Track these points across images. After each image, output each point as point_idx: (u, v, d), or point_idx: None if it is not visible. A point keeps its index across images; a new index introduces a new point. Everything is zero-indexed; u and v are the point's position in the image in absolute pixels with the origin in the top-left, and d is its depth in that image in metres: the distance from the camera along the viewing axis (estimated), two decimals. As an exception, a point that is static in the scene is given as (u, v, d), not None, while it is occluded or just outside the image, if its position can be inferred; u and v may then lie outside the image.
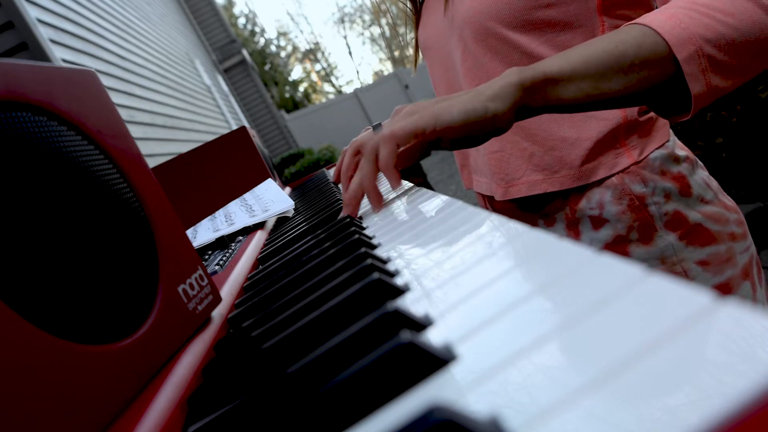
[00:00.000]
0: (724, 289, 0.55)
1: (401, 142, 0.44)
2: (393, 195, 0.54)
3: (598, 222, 0.58)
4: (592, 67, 0.41)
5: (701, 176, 0.58)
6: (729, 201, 0.58)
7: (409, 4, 0.73)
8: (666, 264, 0.56)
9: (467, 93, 0.43)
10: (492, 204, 0.69)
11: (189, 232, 0.76)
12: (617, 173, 0.57)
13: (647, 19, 0.41)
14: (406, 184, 0.57)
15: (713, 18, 0.39)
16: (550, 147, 0.58)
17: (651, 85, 0.41)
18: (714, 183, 0.59)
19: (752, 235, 0.62)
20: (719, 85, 0.40)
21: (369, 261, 0.28)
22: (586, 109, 0.44)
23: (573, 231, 0.60)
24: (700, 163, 0.60)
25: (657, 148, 0.57)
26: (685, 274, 0.55)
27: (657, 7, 0.49)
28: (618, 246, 0.57)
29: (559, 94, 0.42)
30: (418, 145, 0.45)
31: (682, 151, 0.59)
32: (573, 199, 0.59)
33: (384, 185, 0.65)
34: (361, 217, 0.50)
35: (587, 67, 0.41)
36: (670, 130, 0.60)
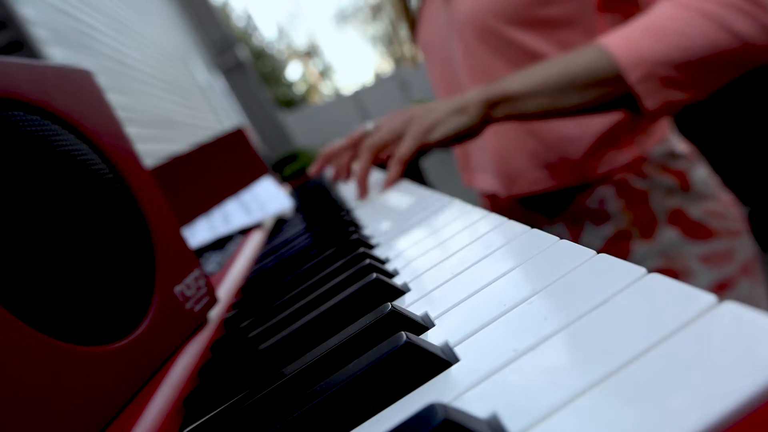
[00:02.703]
0: (724, 286, 0.55)
1: (408, 161, 0.53)
2: (393, 192, 0.54)
3: (600, 218, 0.58)
4: (549, 86, 0.47)
5: (701, 172, 0.58)
6: (728, 197, 0.59)
7: (409, 4, 0.73)
8: (667, 259, 0.56)
9: (446, 107, 0.51)
10: (494, 202, 0.69)
11: (186, 232, 0.75)
12: (618, 169, 0.57)
13: (606, 40, 0.45)
14: (407, 184, 0.57)
15: (668, 41, 0.43)
16: (553, 144, 0.59)
17: (608, 99, 0.46)
18: (714, 179, 0.59)
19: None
20: (677, 98, 0.44)
21: (367, 261, 0.28)
22: (548, 118, 0.50)
23: (575, 227, 0.61)
24: (700, 159, 0.60)
25: (657, 144, 0.57)
26: (685, 270, 0.55)
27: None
28: (620, 242, 0.57)
29: (520, 108, 0.49)
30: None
31: (682, 147, 0.59)
32: (575, 195, 0.60)
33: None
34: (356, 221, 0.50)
35: (545, 86, 0.47)
36: (670, 127, 0.60)
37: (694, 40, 0.43)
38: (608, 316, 0.15)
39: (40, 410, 0.18)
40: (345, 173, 0.62)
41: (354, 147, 0.60)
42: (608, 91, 0.45)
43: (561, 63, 0.47)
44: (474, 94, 0.50)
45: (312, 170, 0.63)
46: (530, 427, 0.12)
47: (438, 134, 0.51)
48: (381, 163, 0.71)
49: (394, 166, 0.54)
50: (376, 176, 0.72)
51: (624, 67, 0.44)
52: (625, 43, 0.44)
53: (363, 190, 0.56)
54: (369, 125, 0.58)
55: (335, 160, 0.62)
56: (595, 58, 0.45)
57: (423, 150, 0.54)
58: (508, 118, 0.51)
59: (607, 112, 0.50)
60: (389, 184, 0.55)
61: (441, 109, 0.52)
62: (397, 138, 0.54)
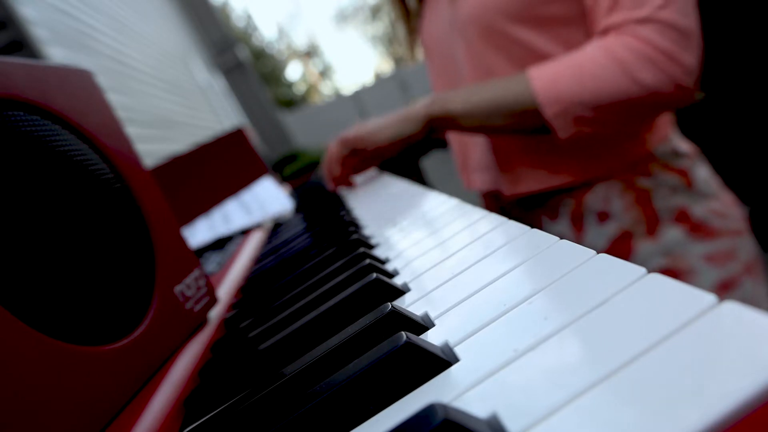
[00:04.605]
0: (728, 285, 0.55)
1: (344, 149, 0.64)
2: (394, 192, 0.54)
3: (603, 216, 0.59)
4: (481, 109, 0.54)
5: (704, 171, 0.58)
6: (731, 197, 0.59)
7: (410, 4, 0.73)
8: (670, 258, 0.56)
9: (394, 116, 0.60)
10: (495, 201, 0.69)
11: (186, 232, 0.75)
12: (622, 168, 0.57)
13: (535, 73, 0.51)
14: (407, 184, 0.57)
15: (583, 84, 0.49)
16: (556, 143, 0.59)
17: (531, 125, 0.53)
18: (716, 179, 0.59)
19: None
20: (587, 131, 0.51)
21: (367, 261, 0.28)
22: (482, 133, 0.59)
23: (577, 225, 0.61)
24: (702, 158, 0.60)
25: (660, 143, 0.57)
26: (689, 269, 0.55)
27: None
28: (623, 240, 0.57)
29: (458, 123, 0.56)
30: (361, 160, 0.65)
31: (684, 146, 0.59)
32: (577, 193, 0.60)
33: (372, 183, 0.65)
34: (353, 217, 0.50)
35: (478, 108, 0.54)
36: (672, 126, 0.60)
37: (605, 87, 0.48)
38: (608, 317, 0.15)
39: (40, 410, 0.18)
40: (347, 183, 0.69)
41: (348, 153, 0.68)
42: (529, 119, 0.52)
43: (494, 89, 0.54)
44: (419, 107, 0.58)
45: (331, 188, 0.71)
46: (530, 427, 0.12)
47: (382, 137, 0.60)
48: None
49: (336, 145, 0.65)
50: (368, 174, 0.73)
51: (541, 103, 0.50)
52: (548, 80, 0.50)
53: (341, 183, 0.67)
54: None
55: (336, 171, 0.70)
56: (521, 90, 0.52)
57: (410, 155, 0.61)
58: (449, 130, 0.58)
59: (535, 133, 0.55)
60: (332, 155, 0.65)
61: (392, 118, 0.61)
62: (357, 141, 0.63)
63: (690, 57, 0.47)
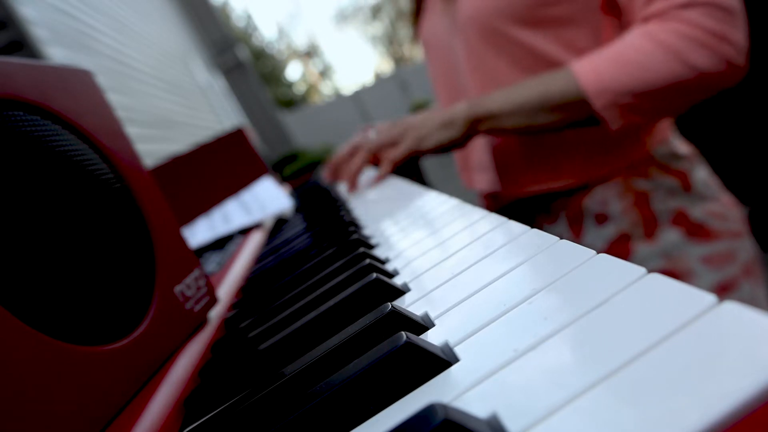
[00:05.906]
0: (726, 287, 0.55)
1: (398, 163, 0.62)
2: (394, 192, 0.54)
3: (601, 219, 0.59)
4: (525, 106, 0.53)
5: (702, 173, 0.58)
6: (730, 198, 0.59)
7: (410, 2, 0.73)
8: (669, 260, 0.56)
9: (436, 120, 0.58)
10: (494, 201, 0.69)
11: (186, 232, 0.75)
12: (620, 170, 0.57)
13: (577, 66, 0.51)
14: (407, 184, 0.57)
15: (630, 73, 0.48)
16: (555, 145, 0.59)
17: (576, 119, 0.52)
18: (715, 180, 0.59)
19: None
20: (636, 119, 0.50)
21: (367, 261, 0.28)
22: (525, 134, 0.57)
23: (576, 228, 0.61)
24: (701, 160, 0.60)
25: (659, 145, 0.58)
26: (687, 271, 0.55)
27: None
28: (622, 243, 0.58)
29: (500, 124, 0.55)
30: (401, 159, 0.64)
31: (683, 148, 0.59)
32: (576, 196, 0.60)
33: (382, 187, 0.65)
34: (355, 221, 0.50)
35: (521, 106, 0.53)
36: (671, 128, 0.60)
37: (653, 73, 0.47)
38: (608, 316, 0.15)
39: (40, 410, 0.18)
40: (353, 185, 0.67)
41: (355, 153, 0.67)
42: (576, 113, 0.51)
43: (536, 86, 0.52)
44: (460, 109, 0.57)
45: (327, 180, 0.70)
46: (530, 427, 0.12)
47: (428, 144, 0.59)
48: (376, 164, 0.71)
49: (385, 165, 0.62)
50: (370, 174, 0.73)
51: (590, 96, 0.49)
52: (593, 72, 0.49)
53: (352, 185, 0.64)
54: (371, 134, 0.66)
55: (343, 168, 0.68)
56: (566, 84, 0.51)
57: (415, 156, 0.61)
58: (490, 132, 0.57)
59: (577, 128, 0.54)
60: (379, 179, 0.62)
61: (431, 122, 0.59)
62: (392, 143, 0.62)
63: (739, 34, 0.47)
